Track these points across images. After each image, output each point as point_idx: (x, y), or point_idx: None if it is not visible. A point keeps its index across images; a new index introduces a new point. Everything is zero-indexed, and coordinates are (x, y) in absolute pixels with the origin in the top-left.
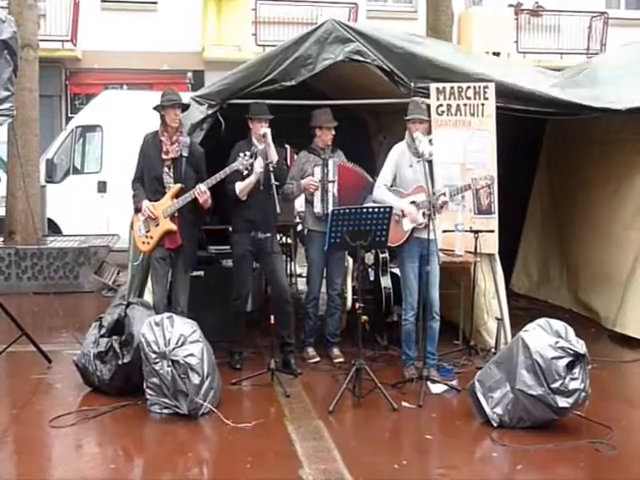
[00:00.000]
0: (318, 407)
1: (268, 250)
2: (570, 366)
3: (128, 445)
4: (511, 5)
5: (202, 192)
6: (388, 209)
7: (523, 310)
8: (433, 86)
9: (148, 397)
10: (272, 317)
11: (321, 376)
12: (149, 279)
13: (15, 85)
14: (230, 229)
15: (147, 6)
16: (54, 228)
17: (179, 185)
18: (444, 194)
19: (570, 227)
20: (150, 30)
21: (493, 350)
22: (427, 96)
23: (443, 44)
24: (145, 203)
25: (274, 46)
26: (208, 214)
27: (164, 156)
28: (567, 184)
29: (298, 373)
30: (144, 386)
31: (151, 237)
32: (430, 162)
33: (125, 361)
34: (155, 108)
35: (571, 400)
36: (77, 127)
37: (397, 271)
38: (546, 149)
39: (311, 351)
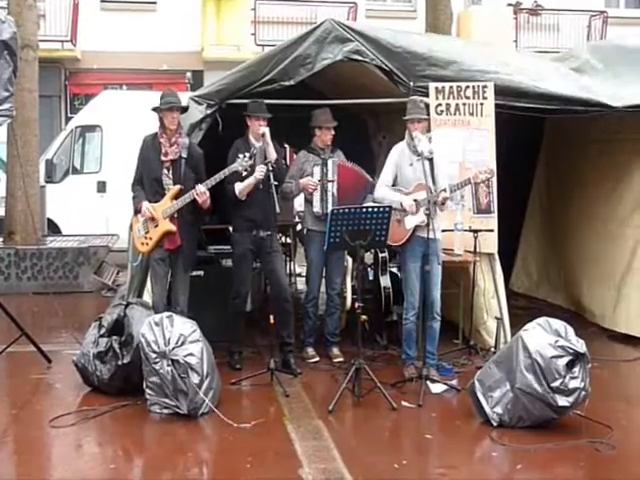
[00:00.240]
0: (318, 407)
1: (268, 248)
2: (570, 365)
3: (128, 445)
4: (510, 4)
5: (201, 193)
6: (387, 209)
7: (523, 309)
8: (432, 85)
9: (148, 397)
10: (271, 317)
11: (321, 376)
12: (148, 279)
13: (15, 85)
14: (230, 229)
15: (146, 6)
16: (54, 228)
17: (178, 186)
18: (444, 190)
19: (569, 226)
20: (149, 30)
21: (493, 349)
22: (426, 95)
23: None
24: (145, 204)
25: (273, 46)
26: (207, 214)
27: (163, 158)
28: (566, 183)
29: (298, 373)
30: (144, 386)
31: (150, 238)
32: (431, 160)
33: (125, 361)
34: (154, 110)
35: (571, 399)
36: (76, 127)
37: (396, 270)
38: (545, 148)
39: (311, 351)
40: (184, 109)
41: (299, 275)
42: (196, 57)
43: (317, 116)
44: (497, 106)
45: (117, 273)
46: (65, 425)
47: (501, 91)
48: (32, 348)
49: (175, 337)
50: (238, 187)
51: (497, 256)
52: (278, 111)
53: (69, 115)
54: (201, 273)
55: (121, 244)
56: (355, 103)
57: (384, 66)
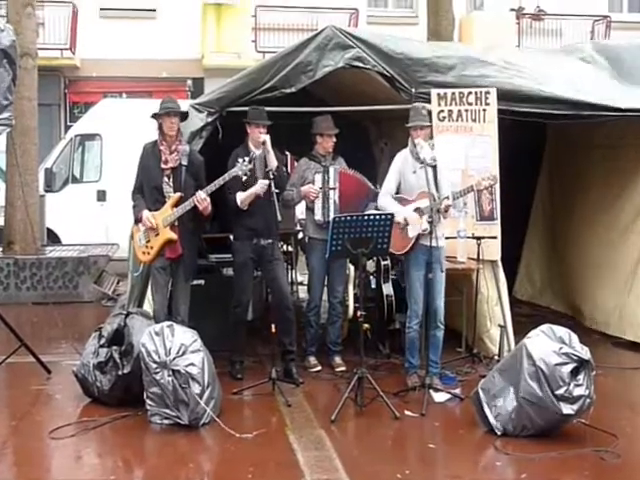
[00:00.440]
0: (320, 416)
1: (269, 257)
2: (574, 372)
3: (128, 456)
4: (513, 9)
5: (202, 199)
6: (389, 216)
7: (526, 317)
8: (434, 92)
9: (148, 407)
10: (273, 326)
11: (323, 385)
12: (149, 289)
13: (14, 94)
14: (231, 237)
15: (146, 14)
16: (53, 238)
17: (179, 194)
18: (447, 197)
19: (572, 232)
20: (149, 38)
21: (496, 357)
22: (428, 102)
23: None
24: (145, 213)
25: (274, 53)
26: (208, 221)
27: (163, 165)
28: (569, 189)
29: (299, 382)
30: (144, 396)
31: (151, 247)
32: (434, 167)
33: (125, 371)
34: (153, 116)
35: (575, 407)
36: (76, 136)
37: (397, 278)
38: (548, 154)
39: (312, 360)
40: (183, 115)
41: (301, 283)
42: (196, 64)
43: (318, 123)
44: (500, 112)
45: (117, 282)
46: (65, 436)
47: (504, 95)
48: (32, 359)
49: (176, 347)
50: (240, 197)
51: (500, 263)
52: (279, 118)
53: (68, 123)
54: (202, 282)
55: (121, 253)
56: (357, 110)
57: (386, 72)
